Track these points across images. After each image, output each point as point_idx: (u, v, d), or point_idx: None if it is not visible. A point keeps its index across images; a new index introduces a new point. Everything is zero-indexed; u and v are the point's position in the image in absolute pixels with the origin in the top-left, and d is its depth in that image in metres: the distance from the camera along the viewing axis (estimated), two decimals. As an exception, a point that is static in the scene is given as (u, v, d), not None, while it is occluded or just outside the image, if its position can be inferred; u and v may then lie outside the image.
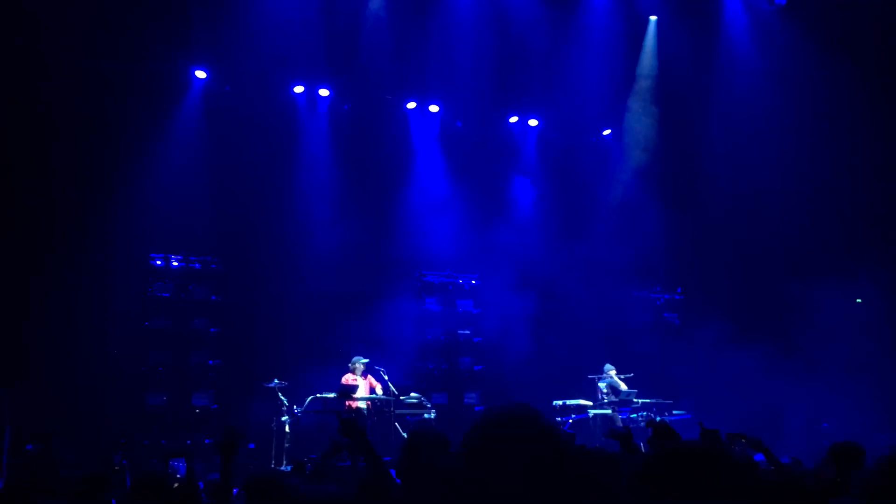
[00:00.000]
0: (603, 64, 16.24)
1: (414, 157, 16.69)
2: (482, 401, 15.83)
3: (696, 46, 16.52)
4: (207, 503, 5.23)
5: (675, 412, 14.16)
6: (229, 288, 14.69)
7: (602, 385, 14.26)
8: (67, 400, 12.12)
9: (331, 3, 14.70)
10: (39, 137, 13.09)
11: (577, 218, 16.52)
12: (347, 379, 12.99)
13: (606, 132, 18.14)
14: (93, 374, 12.67)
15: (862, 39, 14.80)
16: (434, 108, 16.65)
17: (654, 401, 14.14)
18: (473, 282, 16.66)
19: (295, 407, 12.37)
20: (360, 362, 13.17)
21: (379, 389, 13.08)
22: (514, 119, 17.45)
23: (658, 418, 12.74)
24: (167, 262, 14.36)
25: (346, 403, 12.71)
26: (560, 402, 13.99)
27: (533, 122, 17.55)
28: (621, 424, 12.72)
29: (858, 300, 15.56)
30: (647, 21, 16.89)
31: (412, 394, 13.54)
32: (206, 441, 13.25)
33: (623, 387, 14.17)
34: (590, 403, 14.03)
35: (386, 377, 13.09)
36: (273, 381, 12.36)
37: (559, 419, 13.84)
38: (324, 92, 15.82)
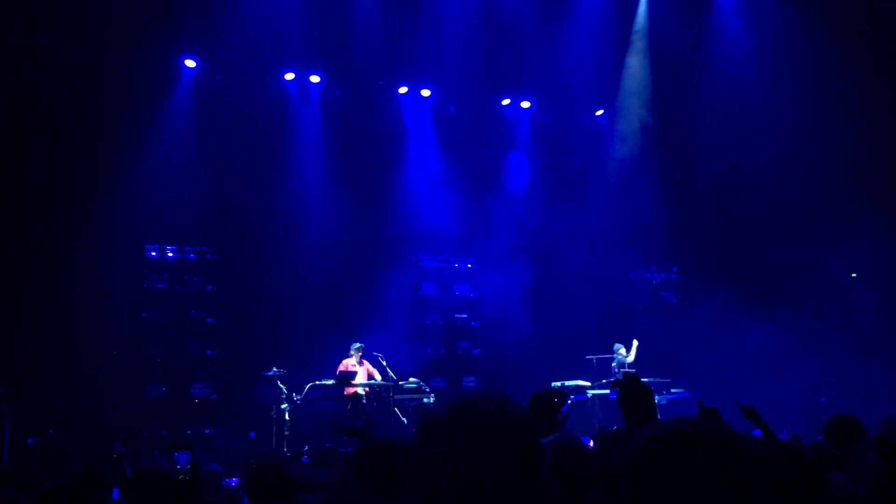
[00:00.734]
0: (595, 44, 16.19)
1: (407, 141, 16.65)
2: (481, 384, 15.88)
3: (688, 25, 16.47)
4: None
5: (673, 390, 14.23)
6: (225, 278, 14.67)
7: (613, 365, 14.36)
8: (66, 393, 12.12)
9: (320, -11, 14.63)
10: (31, 130, 13.03)
11: (572, 200, 16.49)
12: (346, 365, 13.00)
13: (599, 112, 18.10)
14: (91, 367, 12.67)
15: (852, 16, 14.77)
16: (426, 93, 16.59)
17: (652, 379, 14.18)
18: (469, 265, 16.66)
19: (294, 394, 12.38)
20: (356, 348, 13.18)
21: (377, 375, 13.10)
22: (506, 101, 17.39)
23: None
24: (162, 253, 14.33)
25: (345, 390, 12.73)
26: (559, 384, 14.02)
27: (525, 104, 17.50)
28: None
29: (854, 274, 15.61)
30: (637, 0, 16.82)
31: (411, 379, 13.56)
32: (207, 431, 13.28)
33: (630, 357, 14.28)
34: (588, 384, 14.09)
35: (384, 362, 13.10)
36: (272, 369, 12.36)
37: (557, 399, 13.85)
38: (315, 78, 15.75)
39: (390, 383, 12.97)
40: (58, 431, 11.29)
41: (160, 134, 14.37)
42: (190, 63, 14.73)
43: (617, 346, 14.53)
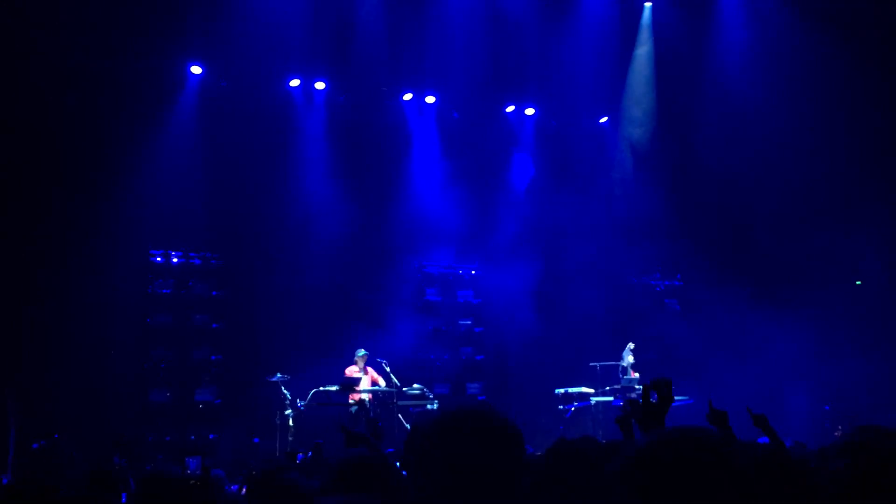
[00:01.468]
0: (599, 50, 16.22)
1: (411, 148, 16.68)
2: (484, 391, 15.88)
3: (692, 31, 16.50)
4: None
5: (677, 398, 14.16)
6: (229, 283, 14.71)
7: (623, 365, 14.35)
8: (71, 398, 12.16)
9: (325, -4, 14.68)
10: (37, 136, 13.07)
11: (576, 207, 16.51)
12: (351, 371, 13.02)
13: (603, 119, 18.12)
14: (96, 372, 12.71)
15: (854, 18, 14.79)
16: (430, 99, 16.63)
17: (655, 386, 14.15)
18: (473, 272, 16.67)
19: (298, 400, 12.40)
20: (360, 355, 13.19)
21: (381, 382, 13.11)
22: (510, 108, 17.42)
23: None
24: (167, 258, 14.39)
25: (350, 396, 12.75)
26: (562, 391, 14.02)
27: (529, 111, 17.53)
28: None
29: (858, 283, 15.60)
30: (642, 7, 16.86)
31: (414, 385, 13.57)
32: (210, 436, 13.31)
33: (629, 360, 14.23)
34: (592, 391, 14.06)
35: (388, 369, 13.10)
36: (276, 375, 12.38)
37: (561, 407, 13.88)
38: (320, 85, 15.80)
39: (394, 390, 12.98)
40: (63, 436, 11.32)
41: (166, 139, 14.42)
42: (196, 69, 14.78)
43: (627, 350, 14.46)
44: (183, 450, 11.48)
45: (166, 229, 14.21)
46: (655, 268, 17.60)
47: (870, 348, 14.22)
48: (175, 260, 14.42)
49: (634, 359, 14.30)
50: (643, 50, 16.88)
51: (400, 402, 13.08)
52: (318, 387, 12.65)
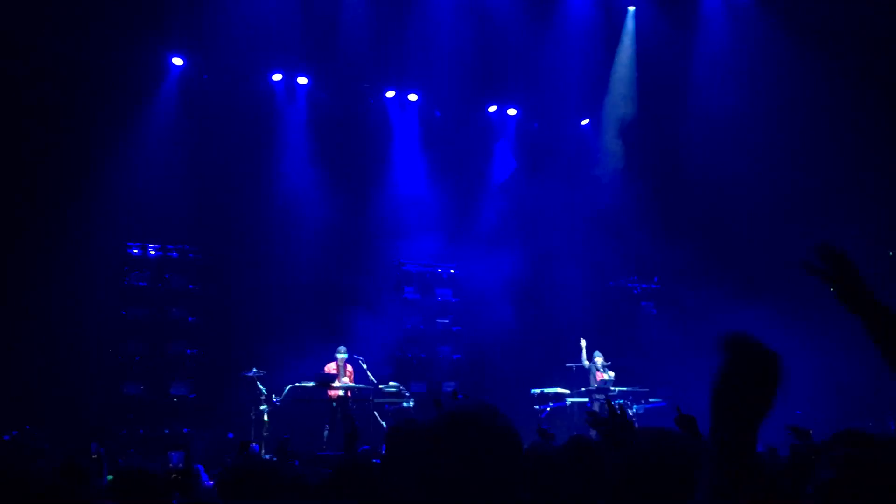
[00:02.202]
0: (581, 54, 16.30)
1: (393, 146, 16.69)
2: (460, 389, 15.89)
3: (674, 36, 16.60)
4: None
5: (651, 400, 14.31)
6: (207, 277, 14.63)
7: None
8: (44, 390, 12.05)
9: (309, -9, 14.64)
10: (13, 125, 12.93)
11: (556, 208, 16.57)
12: (329, 368, 13.01)
13: (585, 122, 18.20)
14: (69, 364, 12.60)
15: (835, 29, 14.96)
16: (413, 97, 16.63)
17: (630, 389, 14.27)
18: (452, 271, 16.69)
19: (273, 396, 12.36)
20: (341, 353, 13.16)
21: (348, 378, 13.05)
22: (492, 108, 17.46)
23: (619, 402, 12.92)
24: (144, 250, 14.27)
25: (328, 393, 12.74)
26: (538, 391, 14.09)
27: (512, 112, 17.58)
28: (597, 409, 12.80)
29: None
30: (625, 11, 16.96)
31: (391, 383, 13.59)
32: (184, 430, 13.23)
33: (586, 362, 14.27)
34: (567, 391, 14.14)
35: (364, 366, 13.10)
36: (251, 370, 12.34)
37: (537, 407, 13.94)
38: (302, 80, 15.75)
39: (371, 387, 12.98)
40: (35, 427, 11.22)
41: (145, 131, 14.32)
42: (177, 61, 14.69)
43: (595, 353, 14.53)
44: (157, 444, 11.39)
45: (144, 222, 14.11)
46: (633, 271, 17.68)
47: (846, 352, 14.36)
48: (152, 252, 14.31)
49: (606, 360, 14.36)
50: (626, 53, 16.97)
51: (376, 400, 13.09)
52: (294, 383, 12.63)
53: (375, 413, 12.92)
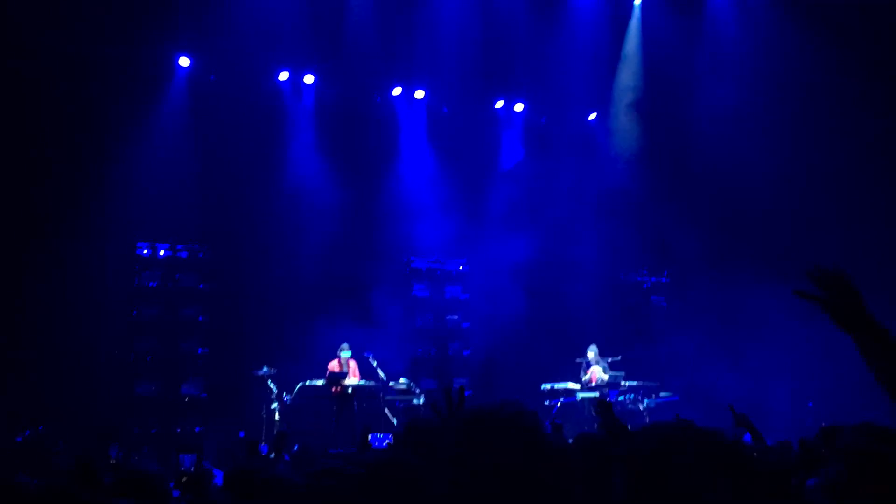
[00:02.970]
0: (588, 47, 16.21)
1: (400, 143, 16.64)
2: (471, 386, 15.89)
3: (681, 28, 16.52)
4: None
5: (662, 394, 14.28)
6: (217, 276, 14.67)
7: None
8: (57, 390, 12.10)
9: (315, -11, 14.63)
10: (22, 124, 12.96)
11: (566, 203, 16.53)
12: (332, 366, 13.00)
13: (592, 116, 18.14)
14: (82, 364, 12.65)
15: (845, 19, 14.85)
16: (420, 94, 16.60)
17: (640, 383, 14.23)
18: (461, 267, 16.68)
19: (284, 394, 12.39)
20: (343, 349, 13.17)
21: (355, 376, 13.06)
22: (500, 104, 17.41)
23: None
24: (154, 250, 14.33)
25: (333, 389, 12.74)
26: (548, 386, 14.07)
27: (519, 107, 17.53)
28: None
29: None
30: (631, 4, 16.88)
31: (401, 379, 13.59)
32: (196, 429, 13.29)
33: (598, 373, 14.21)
34: (577, 387, 14.11)
35: (374, 363, 13.11)
36: (262, 368, 12.37)
37: (547, 403, 13.93)
38: (309, 78, 15.74)
39: (381, 384, 12.99)
40: (48, 427, 11.28)
41: (153, 131, 14.33)
42: (184, 61, 14.69)
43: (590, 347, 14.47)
44: (170, 443, 11.45)
45: (153, 222, 14.15)
46: (643, 264, 17.64)
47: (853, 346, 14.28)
48: (162, 252, 14.36)
49: (616, 356, 14.32)
50: (633, 47, 16.90)
51: (386, 397, 13.10)
52: (305, 381, 12.65)
53: (386, 410, 12.93)
